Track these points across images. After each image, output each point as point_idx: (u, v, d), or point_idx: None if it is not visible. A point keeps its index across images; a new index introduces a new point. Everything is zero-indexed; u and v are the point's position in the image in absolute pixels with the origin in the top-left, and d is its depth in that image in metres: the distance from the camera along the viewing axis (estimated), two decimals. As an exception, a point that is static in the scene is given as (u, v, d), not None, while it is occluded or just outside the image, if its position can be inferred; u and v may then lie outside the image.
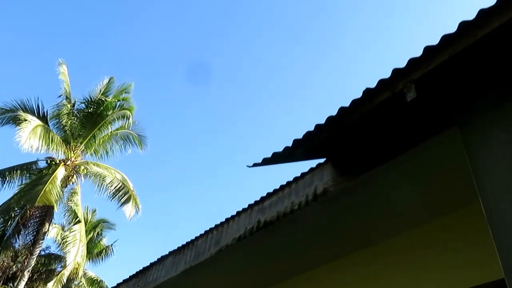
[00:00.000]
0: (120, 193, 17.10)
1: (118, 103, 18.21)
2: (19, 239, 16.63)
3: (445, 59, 2.46)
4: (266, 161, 3.33)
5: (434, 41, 2.47)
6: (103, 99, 17.75)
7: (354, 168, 3.50)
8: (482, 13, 2.30)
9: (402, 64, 2.58)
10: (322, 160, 3.77)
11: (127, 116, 18.13)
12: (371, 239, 4.36)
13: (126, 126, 18.47)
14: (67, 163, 16.89)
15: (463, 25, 2.36)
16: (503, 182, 2.42)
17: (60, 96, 17.60)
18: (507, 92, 2.61)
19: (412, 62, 2.54)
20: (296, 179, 4.07)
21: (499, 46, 2.47)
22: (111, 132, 18.26)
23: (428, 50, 2.49)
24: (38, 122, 16.30)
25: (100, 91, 17.93)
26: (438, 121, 2.97)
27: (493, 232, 2.38)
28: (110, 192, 17.03)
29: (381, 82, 2.65)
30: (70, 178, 16.97)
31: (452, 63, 2.49)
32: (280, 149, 3.22)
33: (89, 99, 17.74)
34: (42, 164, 17.09)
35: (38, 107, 17.03)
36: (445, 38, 2.42)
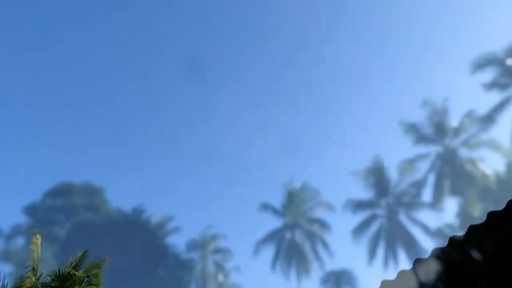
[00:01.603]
0: None
1: (87, 278, 17.28)
2: None
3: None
4: None
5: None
6: (71, 273, 16.85)
7: None
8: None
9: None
10: None
11: (93, 292, 16.96)
12: None
13: (90, 305, 17.12)
14: None
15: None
16: None
17: (26, 267, 16.70)
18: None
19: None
20: None
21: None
22: (72, 313, 16.81)
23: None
24: (-7, 296, 15.04)
25: (71, 264, 17.13)
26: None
27: None
28: None
29: None
30: None
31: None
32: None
33: (57, 273, 16.81)
34: None
35: (-1, 279, 15.95)
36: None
